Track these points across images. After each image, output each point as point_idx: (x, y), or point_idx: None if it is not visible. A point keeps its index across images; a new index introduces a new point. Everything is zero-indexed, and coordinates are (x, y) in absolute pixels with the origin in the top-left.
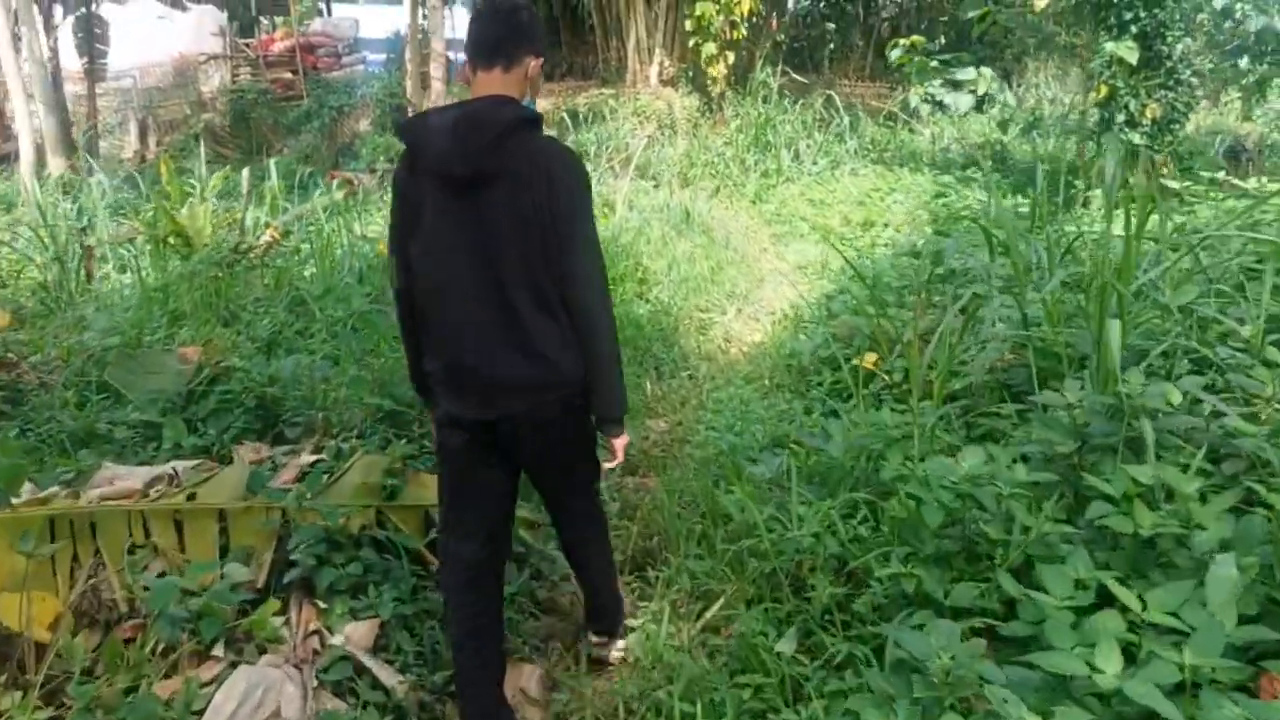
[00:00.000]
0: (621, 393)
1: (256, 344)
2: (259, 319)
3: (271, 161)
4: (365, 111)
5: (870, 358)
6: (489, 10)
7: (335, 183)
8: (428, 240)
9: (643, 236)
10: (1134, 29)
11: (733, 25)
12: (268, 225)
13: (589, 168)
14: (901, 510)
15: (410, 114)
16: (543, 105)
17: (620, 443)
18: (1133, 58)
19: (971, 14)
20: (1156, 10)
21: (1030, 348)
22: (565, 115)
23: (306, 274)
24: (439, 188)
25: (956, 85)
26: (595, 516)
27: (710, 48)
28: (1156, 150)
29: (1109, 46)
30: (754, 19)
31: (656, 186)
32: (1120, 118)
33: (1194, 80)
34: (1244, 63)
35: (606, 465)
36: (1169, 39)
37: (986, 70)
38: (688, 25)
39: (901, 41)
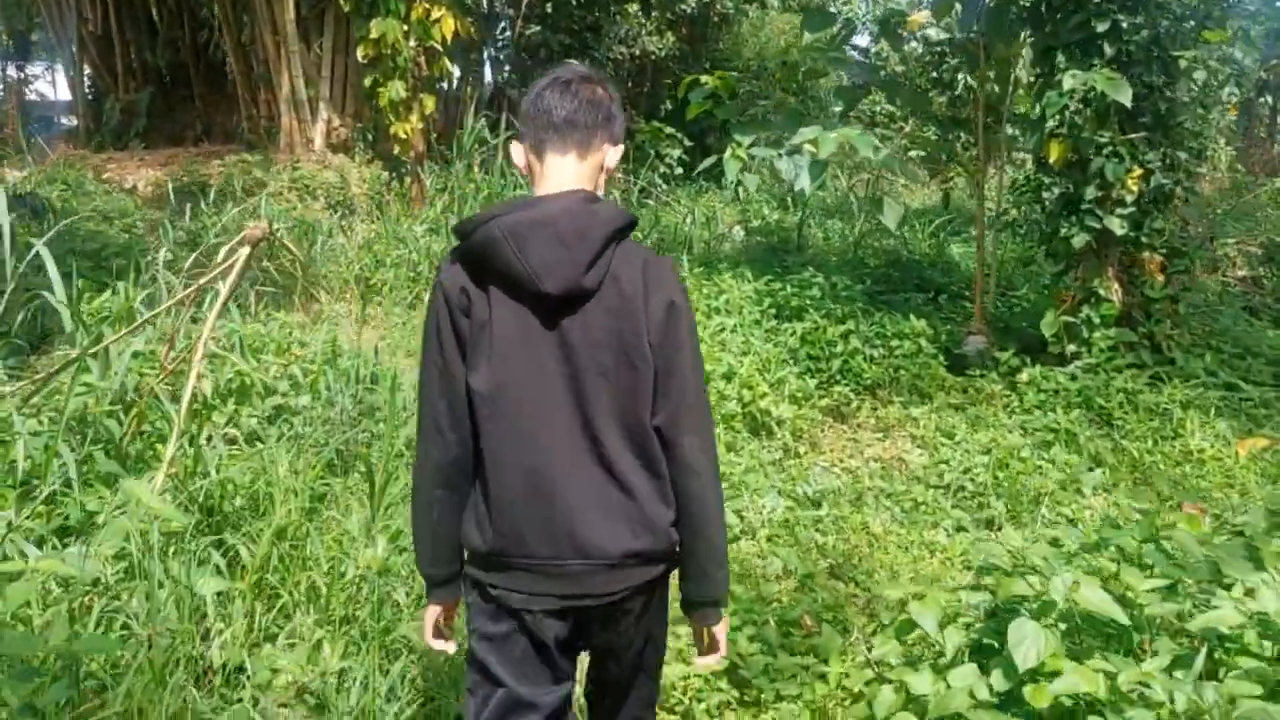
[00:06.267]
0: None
1: None
2: None
3: None
4: None
5: None
6: (559, 84)
7: None
8: (499, 374)
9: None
10: (1108, 49)
11: (430, 55)
12: None
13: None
14: None
15: None
16: (154, 176)
17: (723, 630)
18: (1125, 95)
19: (813, 35)
20: (1144, 15)
21: None
22: (170, 190)
23: None
24: (517, 306)
25: (789, 148)
26: (653, 704)
27: (397, 88)
28: (1148, 244)
29: (1073, 79)
30: (464, 49)
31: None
32: (1090, 191)
33: (1196, 137)
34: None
35: (707, 662)
36: (1175, 68)
37: (852, 131)
38: (360, 53)
39: (703, 79)
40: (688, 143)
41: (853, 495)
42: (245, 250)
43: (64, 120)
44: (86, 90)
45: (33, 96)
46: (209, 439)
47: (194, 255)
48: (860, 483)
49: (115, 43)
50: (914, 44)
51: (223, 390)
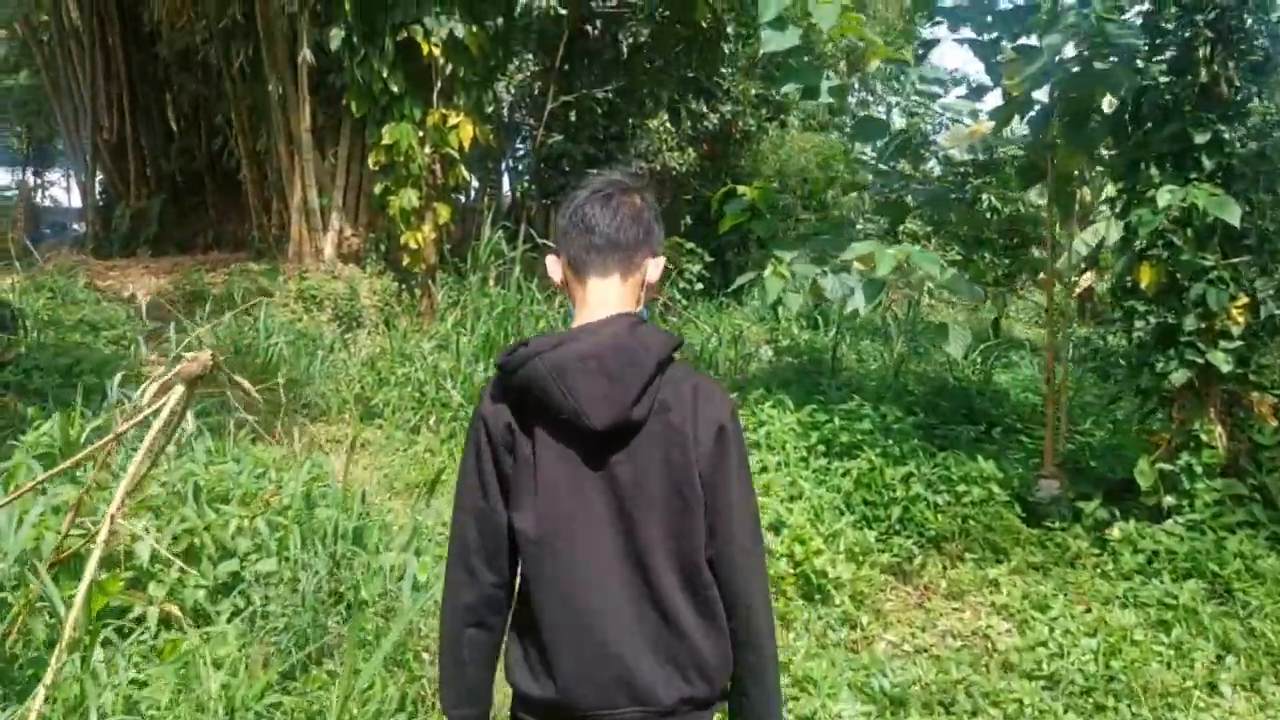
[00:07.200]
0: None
1: None
2: None
3: None
4: None
5: None
6: (598, 198)
7: None
8: (545, 515)
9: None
10: (1208, 162)
11: (446, 163)
12: None
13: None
14: None
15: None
16: (157, 284)
17: None
18: (1233, 215)
19: (864, 144)
20: (1245, 126)
21: None
22: (144, 304)
23: None
24: (563, 443)
25: (835, 264)
26: None
27: (409, 196)
28: (1257, 383)
29: (1170, 195)
30: (482, 158)
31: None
32: (1190, 321)
33: None
34: None
35: None
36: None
37: (913, 247)
38: (371, 160)
39: (741, 190)
40: (708, 258)
41: (940, 690)
42: (179, 389)
43: (75, 226)
44: (98, 196)
45: (48, 203)
46: (113, 652)
47: (149, 380)
48: (946, 673)
49: (129, 149)
50: (932, 164)
51: (164, 555)
